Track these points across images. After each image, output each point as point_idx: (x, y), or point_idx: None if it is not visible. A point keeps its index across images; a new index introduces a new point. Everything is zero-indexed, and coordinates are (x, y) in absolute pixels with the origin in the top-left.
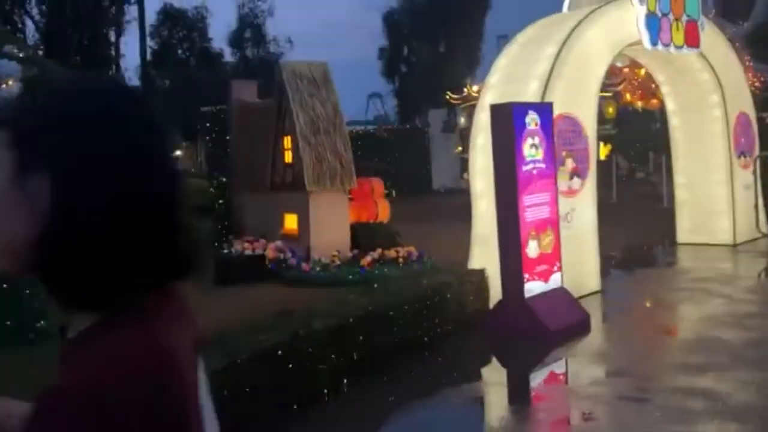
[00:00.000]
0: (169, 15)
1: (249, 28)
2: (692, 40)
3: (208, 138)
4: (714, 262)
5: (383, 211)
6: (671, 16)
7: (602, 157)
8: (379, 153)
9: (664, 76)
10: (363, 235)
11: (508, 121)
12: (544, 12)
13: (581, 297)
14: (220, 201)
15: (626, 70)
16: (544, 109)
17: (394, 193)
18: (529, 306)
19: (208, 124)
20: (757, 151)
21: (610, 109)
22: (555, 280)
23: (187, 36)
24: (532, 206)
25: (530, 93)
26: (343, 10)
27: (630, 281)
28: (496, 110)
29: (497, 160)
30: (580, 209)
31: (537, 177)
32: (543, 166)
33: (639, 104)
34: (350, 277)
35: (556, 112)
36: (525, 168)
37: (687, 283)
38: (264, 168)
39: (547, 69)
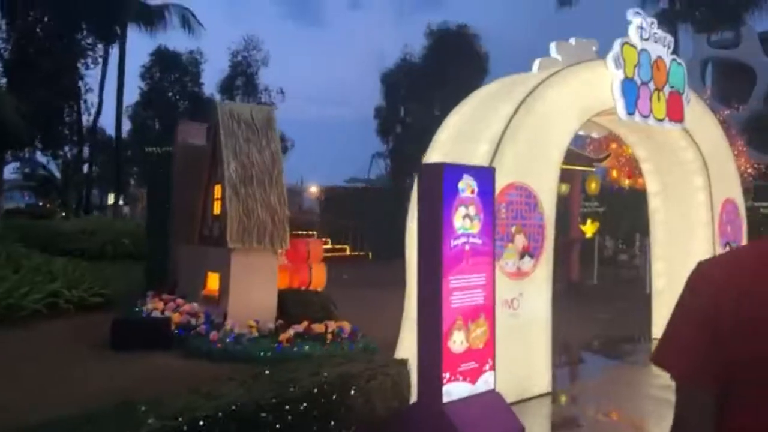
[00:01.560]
0: (162, 57)
1: (241, 77)
2: (675, 113)
3: (151, 181)
4: None
5: (318, 277)
6: (652, 85)
7: (588, 235)
8: (356, 212)
9: (645, 152)
10: (292, 304)
11: (436, 184)
12: None
13: (525, 401)
14: (157, 250)
15: (614, 145)
16: (484, 174)
17: (370, 255)
18: (446, 414)
19: (151, 167)
20: (744, 243)
21: (593, 185)
22: (486, 382)
23: (179, 79)
24: (461, 289)
25: (479, 156)
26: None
27: (589, 384)
28: (425, 170)
29: (421, 231)
30: (530, 294)
31: (470, 254)
32: (479, 241)
33: (626, 182)
34: (262, 353)
35: (507, 180)
36: (454, 242)
37: (655, 390)
38: (195, 218)
39: (499, 130)
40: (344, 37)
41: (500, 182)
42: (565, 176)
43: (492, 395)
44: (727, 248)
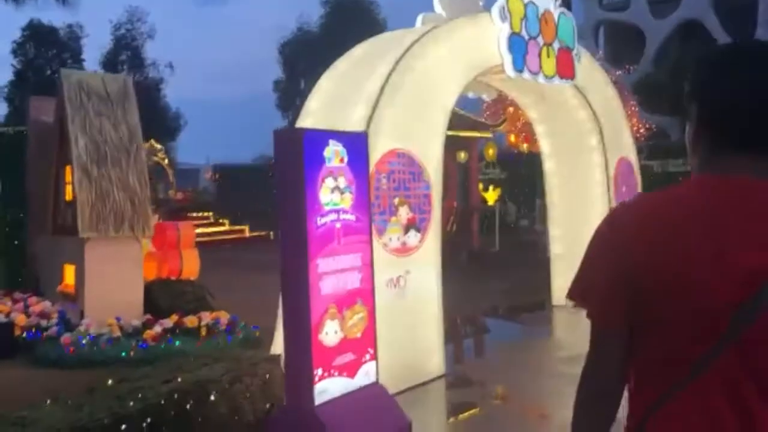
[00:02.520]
0: (36, 31)
1: (125, 50)
2: (566, 70)
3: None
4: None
5: (190, 265)
6: (540, 40)
7: (490, 202)
8: (257, 192)
9: (537, 113)
10: (160, 296)
11: (295, 153)
12: None
13: (416, 387)
14: (16, 242)
15: (510, 110)
16: (354, 139)
17: (271, 235)
18: (317, 416)
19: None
20: None
21: (491, 151)
22: (367, 374)
23: (57, 55)
24: (333, 273)
25: (354, 122)
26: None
27: (486, 362)
28: (279, 138)
29: (281, 209)
30: (418, 271)
31: (341, 233)
32: (352, 217)
33: (525, 147)
34: (124, 354)
35: (387, 146)
36: (321, 220)
37: (557, 365)
38: (48, 205)
39: (375, 91)
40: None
41: (379, 149)
42: (462, 144)
43: (374, 389)
44: None
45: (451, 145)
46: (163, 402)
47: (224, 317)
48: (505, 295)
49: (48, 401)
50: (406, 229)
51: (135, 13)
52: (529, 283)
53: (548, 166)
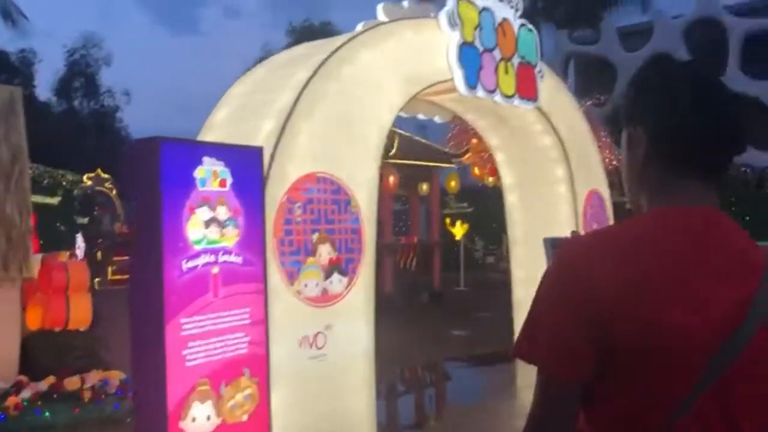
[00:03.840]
0: None
1: (79, 77)
2: (527, 89)
3: None
4: None
5: (80, 312)
6: (497, 54)
7: (458, 237)
8: None
9: (498, 139)
10: (40, 351)
11: (149, 173)
12: None
13: None
14: None
15: (474, 141)
16: (244, 156)
17: None
18: None
19: None
20: None
21: (453, 183)
22: None
23: (8, 81)
24: (205, 336)
25: (262, 138)
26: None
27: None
28: (130, 152)
29: (133, 248)
30: (343, 325)
31: (220, 280)
32: (237, 259)
33: (490, 180)
34: None
35: (304, 169)
36: (188, 264)
37: None
38: None
39: (290, 103)
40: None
41: (292, 172)
42: (424, 175)
43: None
44: None
45: (413, 177)
46: None
47: (115, 377)
48: (467, 343)
49: None
50: (328, 273)
51: (91, 38)
52: (493, 329)
53: (510, 199)
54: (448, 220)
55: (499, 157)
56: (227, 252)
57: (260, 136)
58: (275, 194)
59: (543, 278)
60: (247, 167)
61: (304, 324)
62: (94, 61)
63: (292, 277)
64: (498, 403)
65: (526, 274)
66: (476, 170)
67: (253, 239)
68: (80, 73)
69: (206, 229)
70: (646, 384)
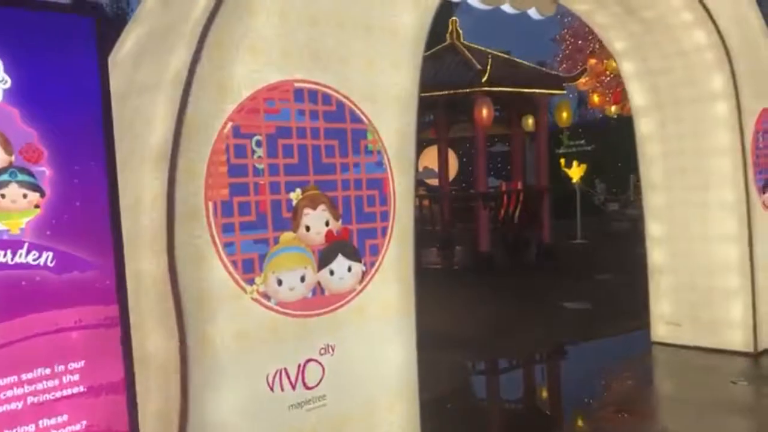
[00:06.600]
0: None
1: None
2: None
3: None
4: (719, 398)
5: None
6: None
7: (575, 180)
8: None
9: (625, 40)
10: None
11: None
12: None
13: None
14: None
15: (592, 61)
16: (48, 28)
17: None
18: None
19: None
20: None
21: (564, 114)
22: None
23: None
24: None
25: (189, 25)
26: None
27: None
28: None
29: None
30: (359, 345)
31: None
32: (40, 260)
33: (613, 109)
34: None
35: (270, 76)
36: None
37: None
38: None
39: None
40: None
41: (245, 81)
42: (528, 105)
43: None
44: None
45: (514, 108)
46: None
47: None
48: (584, 319)
49: None
50: (326, 258)
51: None
52: (619, 296)
53: (644, 127)
54: (563, 161)
55: (628, 68)
56: (9, 245)
57: (187, 23)
58: (207, 119)
59: None
60: (59, 54)
61: (279, 350)
62: None
63: (249, 270)
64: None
65: (668, 230)
66: (595, 98)
67: (92, 214)
68: None
69: None
70: None
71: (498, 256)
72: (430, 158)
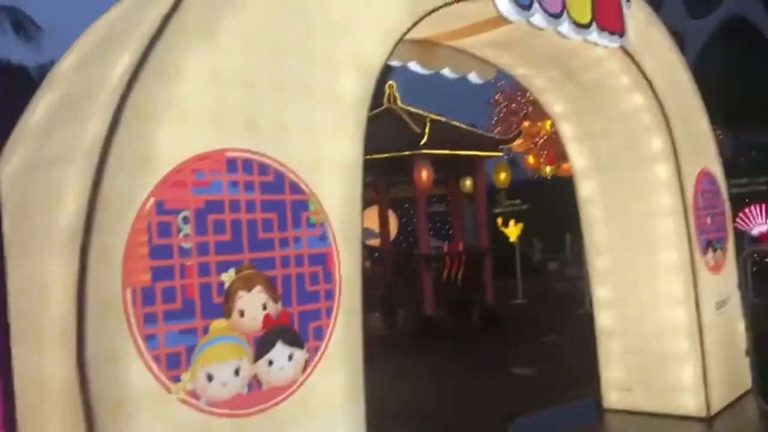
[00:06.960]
0: (4, 73)
1: None
2: (609, 17)
3: None
4: None
5: None
6: None
7: (512, 239)
8: None
9: (564, 103)
10: None
11: None
12: None
13: None
14: None
15: (526, 123)
16: None
17: None
18: None
19: None
20: (731, 241)
21: (502, 175)
22: None
23: (29, 99)
24: None
25: (112, 85)
26: None
27: None
28: None
29: None
30: None
31: None
32: None
33: (548, 170)
34: None
35: (200, 144)
36: None
37: None
38: None
39: (164, 14)
40: None
41: (169, 150)
42: (465, 167)
43: None
44: (709, 254)
45: (453, 170)
46: None
47: None
48: (533, 385)
49: None
50: (263, 346)
51: None
52: (566, 359)
53: (586, 189)
54: (500, 220)
55: (567, 131)
56: None
57: (110, 81)
58: (126, 195)
59: None
60: None
61: None
62: None
63: (175, 366)
64: None
65: (615, 293)
66: (530, 159)
67: None
68: None
69: None
70: None
71: (442, 319)
72: (371, 219)
